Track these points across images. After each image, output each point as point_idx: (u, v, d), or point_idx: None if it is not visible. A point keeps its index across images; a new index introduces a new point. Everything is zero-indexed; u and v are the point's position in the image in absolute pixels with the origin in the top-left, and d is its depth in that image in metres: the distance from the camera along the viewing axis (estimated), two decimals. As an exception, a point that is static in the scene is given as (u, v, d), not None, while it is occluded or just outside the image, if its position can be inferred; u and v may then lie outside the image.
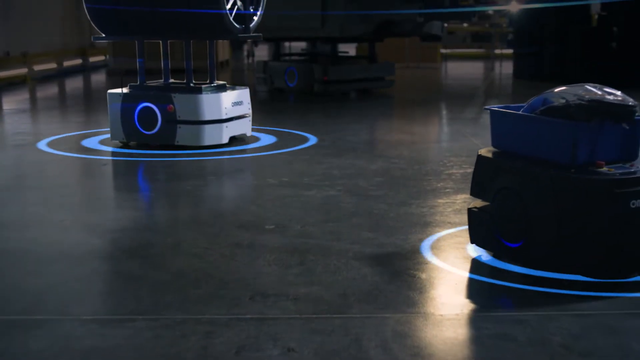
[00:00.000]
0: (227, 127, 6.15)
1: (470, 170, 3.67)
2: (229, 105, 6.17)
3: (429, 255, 3.41)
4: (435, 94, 11.36)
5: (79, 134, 7.13)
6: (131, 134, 6.20)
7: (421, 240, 3.63)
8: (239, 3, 6.12)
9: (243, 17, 6.16)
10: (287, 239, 3.65)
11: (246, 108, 6.44)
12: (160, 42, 6.47)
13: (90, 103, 10.41)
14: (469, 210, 3.38)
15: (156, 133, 6.10)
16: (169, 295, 2.91)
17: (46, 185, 4.99)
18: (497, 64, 15.46)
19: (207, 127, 6.02)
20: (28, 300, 2.89)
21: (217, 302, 2.83)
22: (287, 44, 13.19)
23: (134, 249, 3.56)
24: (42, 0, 14.11)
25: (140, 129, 6.14)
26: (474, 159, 3.47)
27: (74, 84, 13.07)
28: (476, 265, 3.29)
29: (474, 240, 3.39)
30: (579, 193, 2.89)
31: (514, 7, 13.57)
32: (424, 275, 3.14)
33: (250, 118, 6.52)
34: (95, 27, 6.45)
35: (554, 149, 3.00)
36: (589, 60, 11.35)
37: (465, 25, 17.83)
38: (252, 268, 3.23)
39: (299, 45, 13.73)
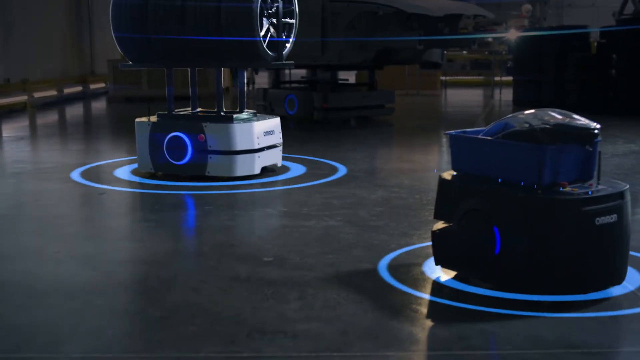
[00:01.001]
0: (259, 157, 5.99)
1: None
2: (261, 135, 6.01)
3: (431, 290, 3.33)
4: (436, 121, 11.34)
5: (78, 163, 7.08)
6: (160, 164, 6.04)
7: (423, 273, 3.55)
8: (272, 30, 6.00)
9: (276, 44, 6.03)
10: (285, 271, 3.57)
11: (277, 137, 6.28)
12: (189, 69, 6.36)
13: (90, 130, 10.38)
14: (433, 233, 3.46)
15: (186, 163, 5.94)
16: (163, 332, 2.82)
17: (43, 215, 4.92)
18: (496, 91, 15.48)
19: (239, 158, 5.87)
20: (19, 336, 2.80)
21: (213, 339, 2.74)
22: (287, 71, 13.20)
23: (128, 282, 3.47)
24: (42, 28, 14.18)
25: (170, 159, 5.98)
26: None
27: (74, 111, 13.06)
28: (480, 301, 3.20)
29: (438, 261, 3.46)
30: (548, 213, 3.01)
31: (513, 35, 13.63)
32: (426, 311, 3.05)
33: (281, 148, 6.36)
34: (124, 55, 6.31)
35: (520, 171, 3.13)
36: (588, 88, 11.35)
37: (464, 52, 17.89)
38: (250, 303, 3.15)
39: (299, 73, 13.74)
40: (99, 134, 10.02)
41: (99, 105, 13.97)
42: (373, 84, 10.70)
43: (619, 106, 10.95)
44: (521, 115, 3.24)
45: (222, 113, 6.06)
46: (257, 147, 5.97)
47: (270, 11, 5.96)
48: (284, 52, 6.14)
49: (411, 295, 3.23)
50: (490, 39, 17.30)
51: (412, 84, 15.88)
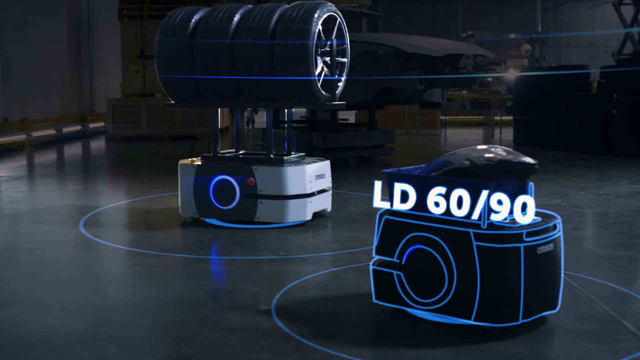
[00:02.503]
0: (311, 202, 5.73)
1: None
2: (313, 179, 5.77)
3: (436, 339, 3.16)
4: (436, 161, 11.23)
5: (74, 204, 6.95)
6: (205, 209, 5.74)
7: (426, 323, 3.39)
8: (325, 69, 5.75)
9: (330, 84, 5.78)
10: (282, 321, 3.41)
11: (328, 181, 6.05)
12: (231, 109, 6.21)
13: (88, 170, 10.28)
14: (374, 270, 3.48)
15: (234, 208, 5.65)
16: (152, 388, 2.66)
17: (34, 259, 4.77)
18: (496, 131, 15.45)
19: (291, 203, 5.60)
20: (-3, 393, 2.64)
21: (205, 397, 2.58)
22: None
23: (116, 332, 3.31)
24: (42, 66, 14.21)
25: (216, 203, 5.69)
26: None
27: (73, 150, 12.99)
28: (485, 352, 3.05)
29: (378, 297, 3.47)
30: (496, 244, 3.13)
31: (512, 75, 13.65)
32: (430, 365, 2.89)
33: (331, 192, 6.12)
34: (167, 95, 6.10)
35: (463, 206, 3.20)
36: (589, 127, 11.29)
37: (464, 92, 17.93)
38: (245, 355, 2.99)
39: (299, 112, 13.73)
40: (98, 173, 9.92)
41: (97, 145, 13.91)
42: (373, 123, 10.65)
43: (620, 146, 10.87)
44: (460, 153, 3.36)
45: (272, 155, 5.80)
46: (309, 191, 5.71)
47: (324, 49, 5.72)
48: (337, 92, 5.88)
49: (416, 347, 3.07)
50: (489, 79, 17.39)
51: (412, 123, 15.87)
